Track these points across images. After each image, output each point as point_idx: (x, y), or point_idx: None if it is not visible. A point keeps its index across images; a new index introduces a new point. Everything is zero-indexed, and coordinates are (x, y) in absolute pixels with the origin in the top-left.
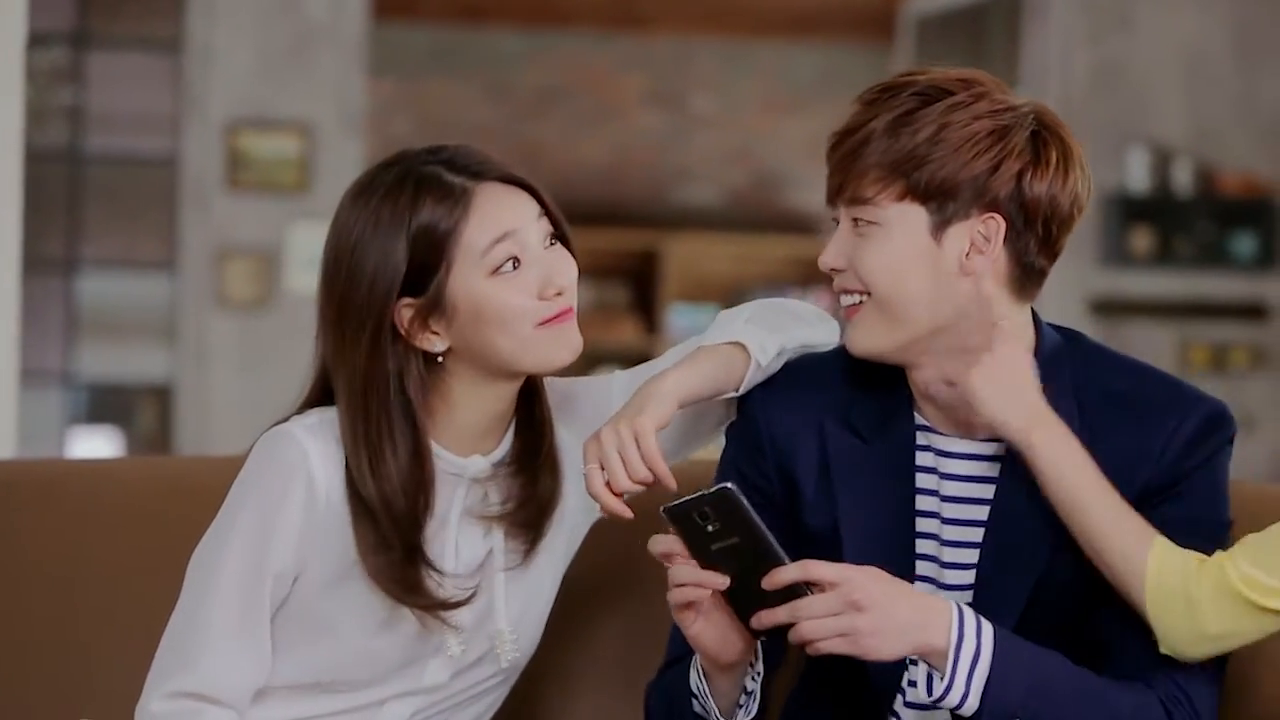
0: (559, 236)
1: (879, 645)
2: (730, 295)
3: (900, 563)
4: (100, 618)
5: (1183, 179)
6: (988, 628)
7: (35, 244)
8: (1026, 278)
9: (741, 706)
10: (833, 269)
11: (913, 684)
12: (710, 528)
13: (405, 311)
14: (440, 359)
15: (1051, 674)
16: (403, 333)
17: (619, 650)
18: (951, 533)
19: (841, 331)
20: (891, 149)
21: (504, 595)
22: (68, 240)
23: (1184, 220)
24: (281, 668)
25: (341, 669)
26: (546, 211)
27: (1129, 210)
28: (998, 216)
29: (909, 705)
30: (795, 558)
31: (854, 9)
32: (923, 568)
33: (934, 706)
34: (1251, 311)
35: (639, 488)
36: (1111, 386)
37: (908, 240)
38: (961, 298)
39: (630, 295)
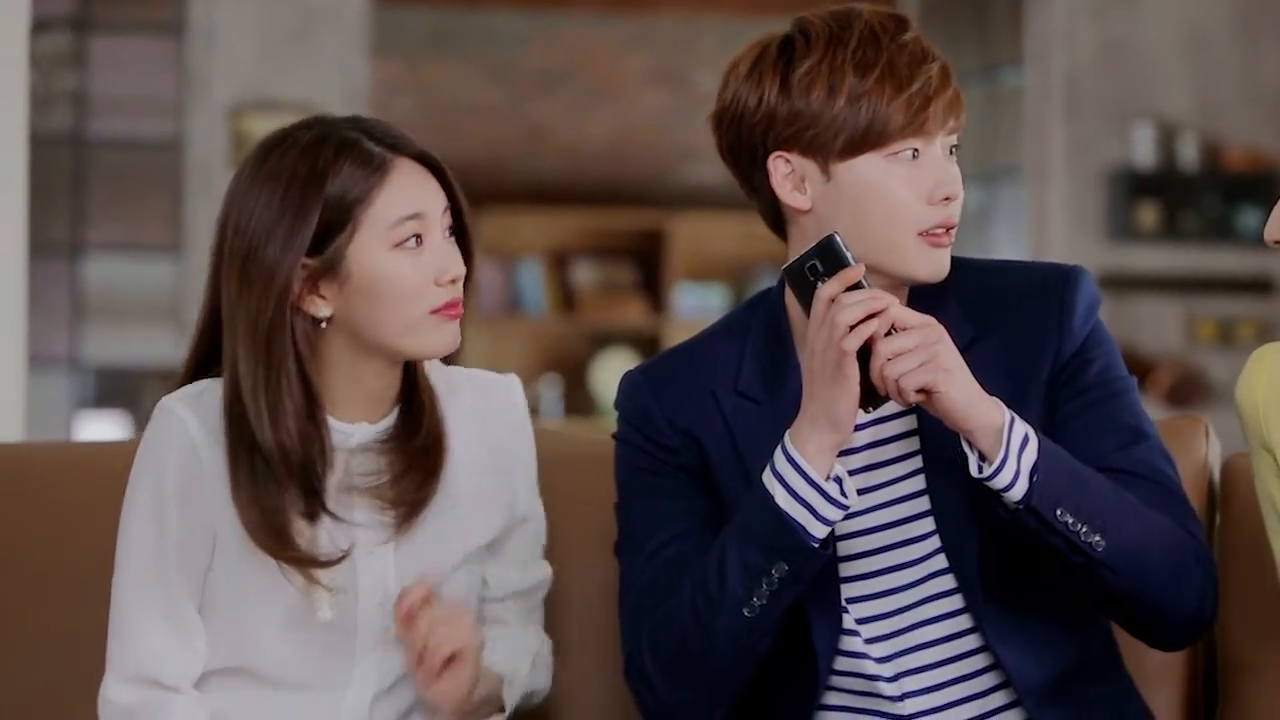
0: (457, 230)
1: (951, 379)
2: (736, 273)
3: None
4: (106, 598)
5: (1188, 154)
6: (1024, 423)
7: (40, 229)
8: None
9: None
10: (951, 197)
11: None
12: (820, 283)
13: (298, 272)
14: (322, 325)
15: (1089, 473)
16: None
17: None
18: (864, 459)
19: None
20: (953, 76)
21: (393, 552)
22: (73, 225)
23: (1190, 195)
24: (211, 653)
25: (256, 652)
26: (453, 203)
27: (1135, 185)
28: None
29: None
30: (720, 524)
31: None
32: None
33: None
34: (1258, 286)
35: None
36: (986, 285)
37: None
38: None
39: (636, 275)
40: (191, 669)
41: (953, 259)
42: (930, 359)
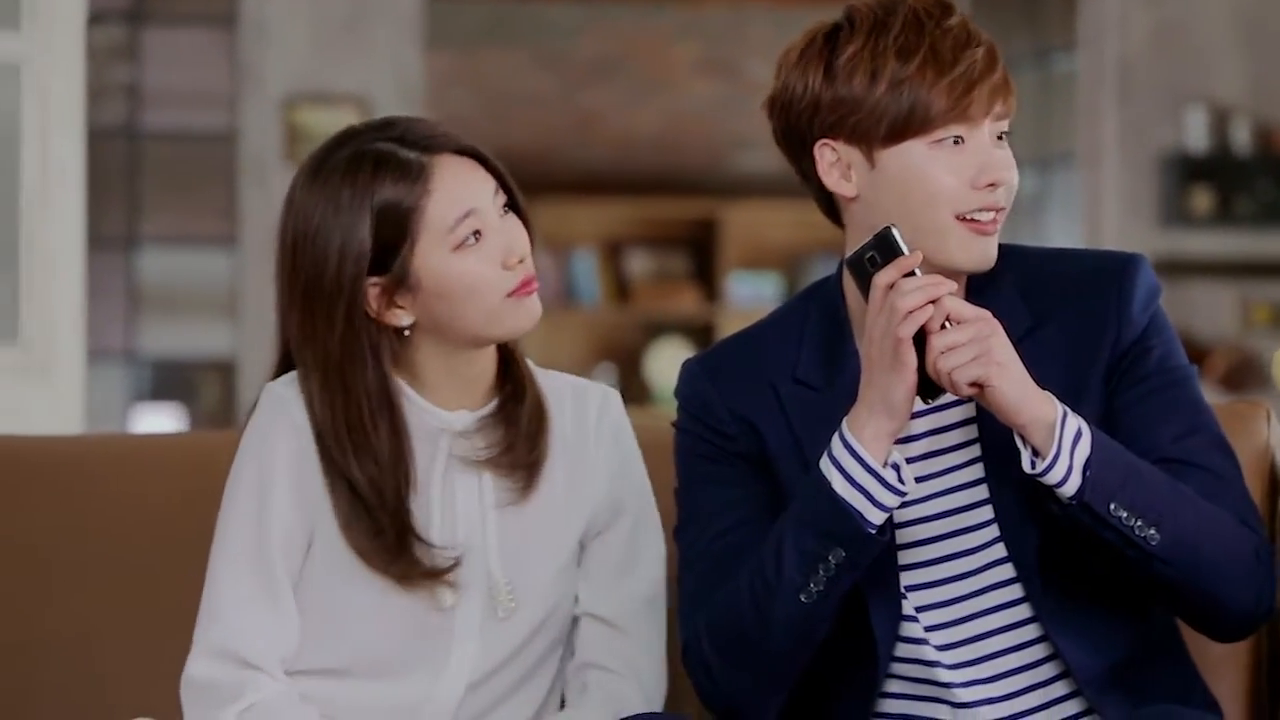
0: (512, 205)
1: (1004, 374)
2: (790, 261)
3: None
4: (168, 588)
5: (1241, 138)
6: (1079, 418)
7: (95, 222)
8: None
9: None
10: (999, 184)
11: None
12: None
13: (371, 290)
14: (407, 332)
15: (1144, 467)
16: (370, 311)
17: None
18: (923, 447)
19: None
20: (1001, 60)
21: (496, 540)
22: (128, 217)
23: (1243, 179)
24: (304, 653)
25: (357, 647)
26: (501, 182)
27: (1188, 170)
28: None
29: (900, 668)
30: (778, 512)
31: None
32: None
33: (1037, 481)
34: None
35: None
36: (1044, 271)
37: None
38: None
39: (690, 264)
40: (283, 650)
41: (1010, 247)
42: (983, 353)
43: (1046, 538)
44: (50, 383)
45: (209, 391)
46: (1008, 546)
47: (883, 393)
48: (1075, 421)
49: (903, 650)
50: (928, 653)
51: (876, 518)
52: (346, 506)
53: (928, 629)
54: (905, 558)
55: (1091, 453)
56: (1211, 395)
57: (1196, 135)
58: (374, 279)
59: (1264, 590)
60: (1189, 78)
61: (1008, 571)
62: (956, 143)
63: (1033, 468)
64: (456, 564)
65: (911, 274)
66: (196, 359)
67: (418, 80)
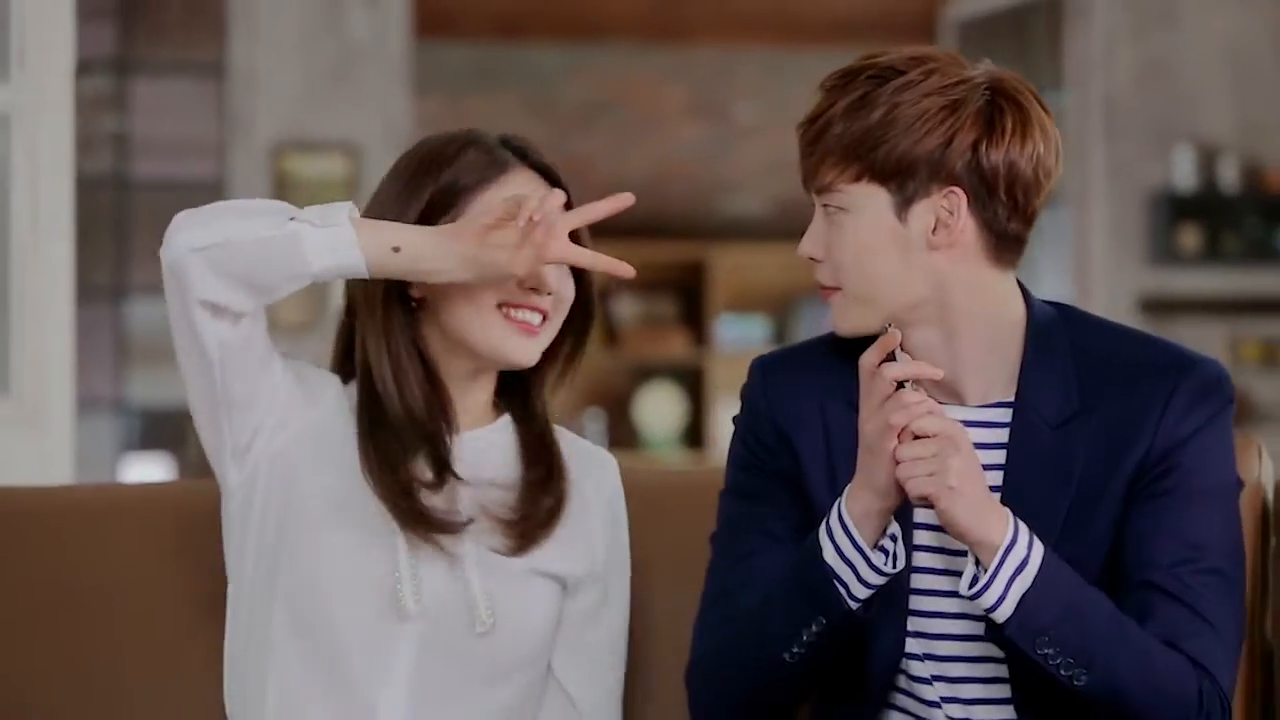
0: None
1: (954, 498)
2: (779, 305)
3: (905, 533)
4: (155, 640)
5: (1229, 175)
6: (1038, 546)
7: (84, 271)
8: (1002, 245)
9: (885, 551)
10: (810, 257)
11: (916, 670)
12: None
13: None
14: (414, 305)
15: (1090, 607)
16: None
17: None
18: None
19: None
20: (847, 133)
21: (476, 557)
22: (116, 267)
23: (1231, 217)
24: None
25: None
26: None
27: (1176, 208)
28: (958, 190)
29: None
30: (805, 535)
31: (894, 14)
32: (922, 537)
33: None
34: None
35: None
36: (1106, 351)
37: (874, 222)
38: (936, 270)
39: (678, 307)
40: None
41: (1083, 316)
42: (939, 472)
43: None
44: (40, 433)
45: (198, 441)
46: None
47: (869, 474)
48: (1023, 551)
49: (907, 685)
50: (929, 692)
51: (861, 593)
52: (374, 445)
53: (935, 677)
54: (920, 603)
55: (1031, 586)
56: None
57: (1184, 173)
58: None
59: None
60: (1176, 116)
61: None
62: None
63: (970, 587)
64: (465, 525)
65: (904, 383)
66: (185, 408)
67: (406, 127)
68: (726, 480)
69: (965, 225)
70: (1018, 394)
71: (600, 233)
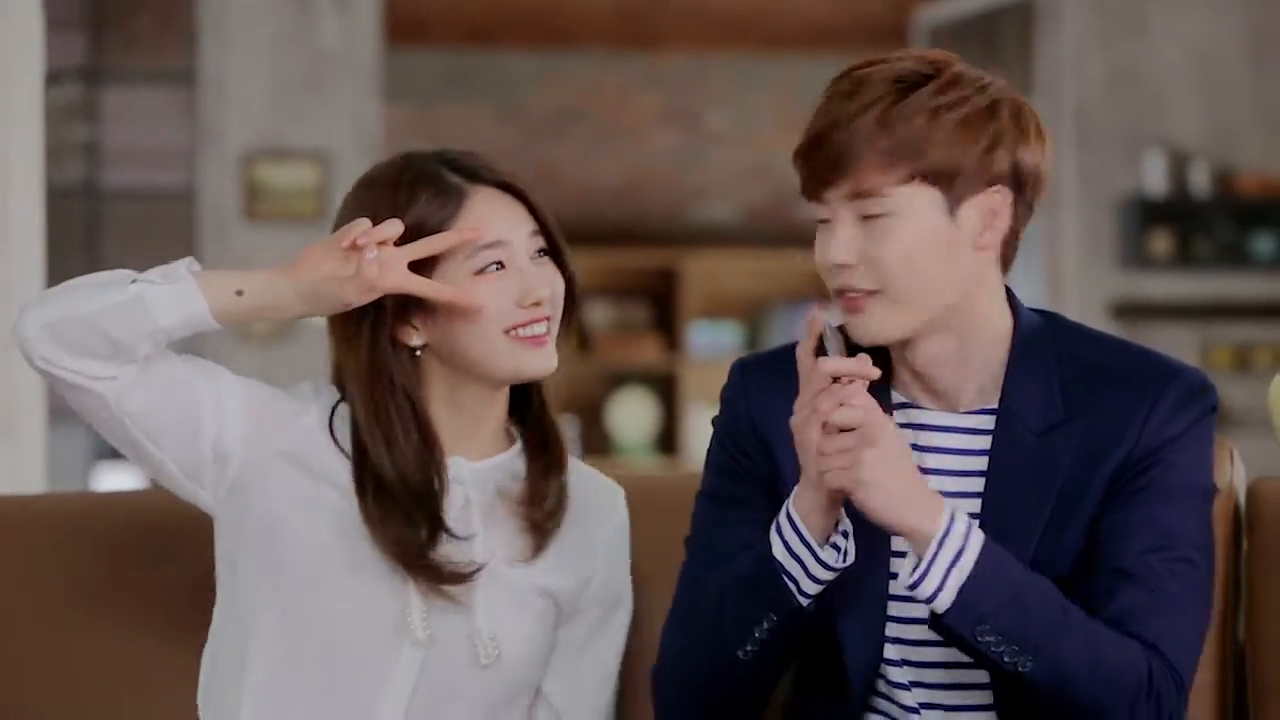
0: (551, 251)
1: (867, 491)
2: (750, 311)
3: (880, 536)
4: (126, 649)
5: (1200, 181)
6: (978, 535)
7: (55, 281)
8: (1012, 248)
9: (838, 549)
10: (843, 264)
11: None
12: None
13: (389, 302)
14: (418, 354)
15: (1034, 594)
16: (385, 323)
17: None
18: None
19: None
20: (890, 137)
21: (485, 589)
22: None
23: (1203, 222)
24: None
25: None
26: (542, 225)
27: (1147, 213)
28: (1004, 188)
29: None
30: None
31: (866, 20)
32: (900, 542)
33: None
34: (1273, 311)
35: None
36: (1090, 360)
37: (926, 221)
38: (971, 272)
39: (650, 314)
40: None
41: (1072, 326)
42: (851, 466)
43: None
44: (12, 443)
45: None
46: None
47: (805, 468)
48: (959, 541)
49: (886, 689)
50: (908, 698)
51: (810, 588)
52: (374, 503)
53: (912, 683)
54: (899, 609)
55: (970, 575)
56: None
57: (1155, 179)
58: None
59: None
60: (1147, 121)
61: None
62: (823, 223)
63: (909, 580)
64: (476, 572)
65: (852, 380)
66: None
67: (377, 134)
68: (704, 483)
69: (1004, 225)
70: (1002, 400)
71: (572, 241)
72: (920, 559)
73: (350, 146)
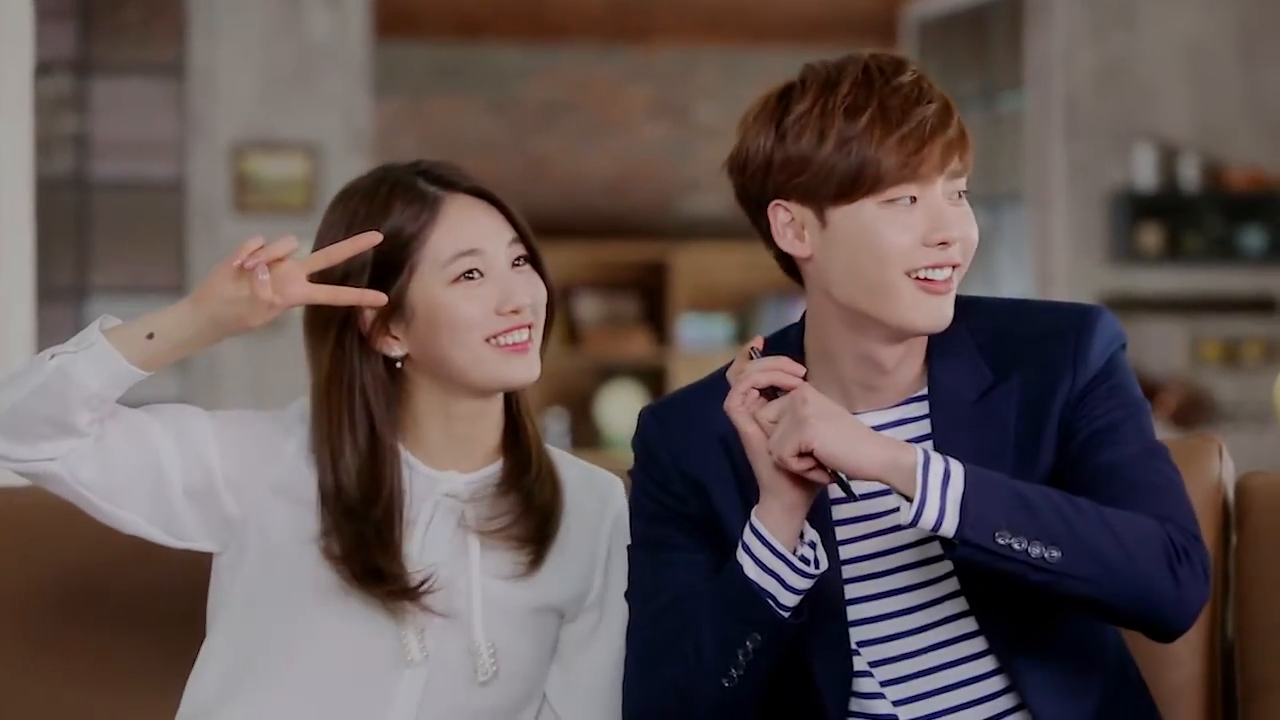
0: (530, 259)
1: (819, 429)
2: (740, 304)
3: (827, 545)
4: (123, 638)
5: (1190, 175)
6: (957, 461)
7: (44, 272)
8: None
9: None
10: (959, 239)
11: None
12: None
13: (368, 314)
14: (399, 364)
15: (1033, 493)
16: (365, 335)
17: None
18: (877, 503)
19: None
20: (957, 116)
21: (480, 606)
22: (77, 268)
23: (1192, 216)
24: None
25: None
26: (519, 233)
27: (1137, 207)
28: None
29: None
30: (719, 566)
31: (855, 13)
32: (848, 550)
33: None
34: (1262, 305)
35: None
36: (1002, 327)
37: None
38: None
39: (640, 307)
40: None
41: (970, 301)
42: (794, 419)
43: (1009, 587)
44: None
45: None
46: (969, 599)
47: (758, 475)
48: (941, 463)
49: (857, 705)
50: (882, 706)
51: (789, 600)
52: (331, 515)
53: (885, 683)
54: (858, 612)
55: (966, 488)
56: (1163, 432)
57: (1144, 173)
58: None
59: (1188, 579)
60: (1136, 115)
61: (970, 624)
62: (911, 202)
63: (911, 518)
64: (425, 586)
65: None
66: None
67: (367, 127)
68: (634, 534)
69: None
70: (931, 380)
71: (562, 234)
72: (913, 493)
73: (340, 139)
